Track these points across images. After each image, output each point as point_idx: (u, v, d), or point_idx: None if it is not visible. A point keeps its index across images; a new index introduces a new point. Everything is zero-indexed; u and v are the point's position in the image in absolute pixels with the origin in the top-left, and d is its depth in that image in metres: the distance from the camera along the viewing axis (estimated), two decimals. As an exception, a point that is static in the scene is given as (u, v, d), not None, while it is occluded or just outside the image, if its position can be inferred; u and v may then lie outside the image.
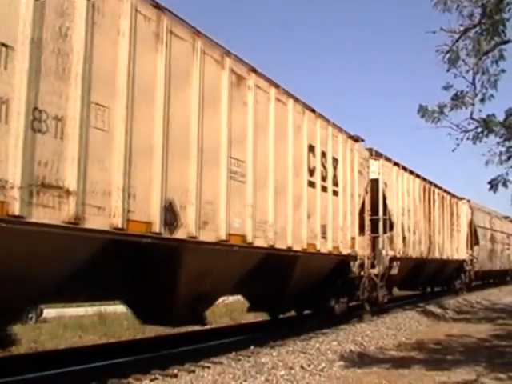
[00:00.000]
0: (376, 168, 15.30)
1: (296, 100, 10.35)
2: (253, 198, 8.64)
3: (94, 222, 5.76)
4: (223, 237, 7.89)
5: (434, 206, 20.05)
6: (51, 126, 5.33)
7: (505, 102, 8.66)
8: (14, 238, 5.08)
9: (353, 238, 13.06)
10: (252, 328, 12.88)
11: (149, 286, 7.61)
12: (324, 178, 11.44)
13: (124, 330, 14.00)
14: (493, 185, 8.14)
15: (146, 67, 6.58)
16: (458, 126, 8.45)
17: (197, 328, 10.43)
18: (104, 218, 5.89)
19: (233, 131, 8.19)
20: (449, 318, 16.83)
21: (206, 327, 10.52)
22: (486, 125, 8.23)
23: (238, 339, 10.72)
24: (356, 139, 13.75)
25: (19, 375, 6.71)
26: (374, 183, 15.14)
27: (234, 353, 9.03)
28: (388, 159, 16.22)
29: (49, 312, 17.02)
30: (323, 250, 11.35)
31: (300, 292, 11.63)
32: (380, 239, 15.18)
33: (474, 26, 7.80)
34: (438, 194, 20.76)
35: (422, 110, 8.19)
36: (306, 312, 13.44)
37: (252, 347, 9.52)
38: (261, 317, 14.38)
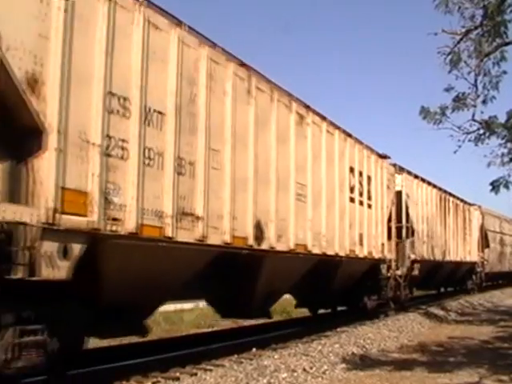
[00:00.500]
0: (399, 181, 17.24)
1: (340, 129, 12.31)
2: (311, 214, 10.60)
3: (213, 238, 7.74)
4: (292, 246, 9.86)
5: (448, 213, 21.97)
6: (187, 169, 7.30)
7: (507, 103, 8.56)
8: (165, 253, 7.02)
9: (382, 244, 15.00)
10: (253, 330, 12.73)
11: (232, 286, 9.52)
12: (361, 194, 13.39)
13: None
14: (494, 186, 8.07)
15: (241, 117, 8.54)
16: (459, 127, 8.38)
17: (198, 331, 10.17)
18: (218, 235, 7.87)
19: (297, 161, 10.14)
20: (451, 320, 16.90)
21: (206, 330, 10.72)
22: (488, 126, 8.20)
23: (240, 342, 10.72)
24: (384, 157, 15.68)
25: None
26: (398, 194, 17.09)
27: (236, 355, 9.05)
28: (409, 173, 18.16)
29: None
30: (360, 255, 13.30)
31: (340, 291, 13.55)
32: (403, 244, 17.14)
33: (476, 28, 7.72)
34: (453, 201, 22.68)
35: (424, 112, 8.14)
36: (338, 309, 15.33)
37: (254, 350, 9.58)
38: (262, 319, 14.84)
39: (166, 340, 11.14)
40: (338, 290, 13.39)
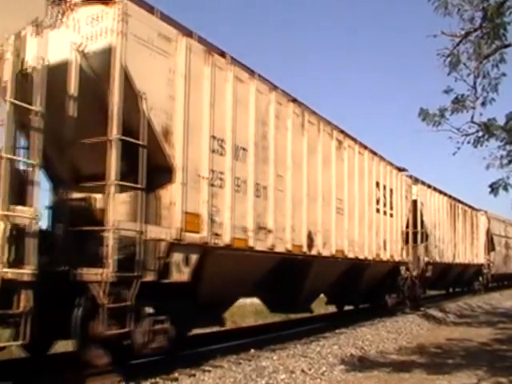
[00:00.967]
0: (415, 191, 19.11)
1: (368, 149, 14.17)
2: (347, 224, 12.46)
3: (279, 247, 9.61)
4: (333, 252, 11.73)
5: (458, 218, 23.85)
6: (262, 192, 9.16)
7: (506, 105, 8.55)
8: (246, 259, 8.87)
9: (402, 248, 16.87)
10: (252, 331, 12.87)
11: (285, 285, 11.32)
12: (384, 205, 15.25)
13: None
14: (493, 188, 8.07)
15: (297, 147, 10.39)
16: (458, 129, 8.33)
17: (197, 332, 9.87)
18: (283, 244, 9.74)
19: (337, 180, 12.00)
20: (450, 322, 17.12)
21: (206, 331, 10.80)
22: (487, 128, 8.16)
23: (238, 343, 10.80)
24: (402, 169, 17.54)
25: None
26: (414, 203, 18.97)
27: (234, 356, 9.08)
28: (423, 183, 20.04)
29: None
30: (384, 258, 15.16)
31: (365, 290, 15.41)
32: (418, 248, 19.04)
33: (475, 30, 7.66)
34: (461, 208, 24.56)
35: (423, 114, 8.11)
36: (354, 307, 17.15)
37: (252, 350, 9.65)
38: (261, 320, 16.10)
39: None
40: (363, 289, 15.25)
